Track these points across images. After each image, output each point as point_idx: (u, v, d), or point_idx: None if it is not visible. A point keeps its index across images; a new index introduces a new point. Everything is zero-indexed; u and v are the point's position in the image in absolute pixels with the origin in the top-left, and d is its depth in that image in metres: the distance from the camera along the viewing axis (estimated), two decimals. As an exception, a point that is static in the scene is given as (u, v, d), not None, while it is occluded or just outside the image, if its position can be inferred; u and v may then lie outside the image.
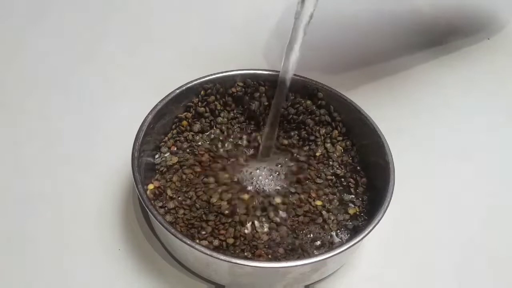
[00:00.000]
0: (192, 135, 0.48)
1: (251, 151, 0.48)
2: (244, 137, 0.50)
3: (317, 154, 0.48)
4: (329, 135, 0.50)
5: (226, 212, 0.42)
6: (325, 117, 0.50)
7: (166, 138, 0.48)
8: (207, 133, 0.49)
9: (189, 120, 0.49)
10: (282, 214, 0.43)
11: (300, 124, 0.50)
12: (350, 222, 0.44)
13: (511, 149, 0.56)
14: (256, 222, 0.42)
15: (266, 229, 0.42)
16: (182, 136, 0.48)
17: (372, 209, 0.43)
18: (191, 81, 0.49)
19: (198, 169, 0.46)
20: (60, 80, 0.59)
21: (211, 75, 0.50)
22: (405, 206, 0.47)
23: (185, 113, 0.49)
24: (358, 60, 0.67)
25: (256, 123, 0.51)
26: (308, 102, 0.50)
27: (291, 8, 0.74)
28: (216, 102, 0.50)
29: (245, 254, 0.40)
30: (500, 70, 0.68)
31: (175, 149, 0.47)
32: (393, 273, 0.44)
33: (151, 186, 0.44)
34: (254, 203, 0.43)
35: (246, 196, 0.44)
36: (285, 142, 0.49)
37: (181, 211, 0.42)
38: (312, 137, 0.49)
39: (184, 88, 0.48)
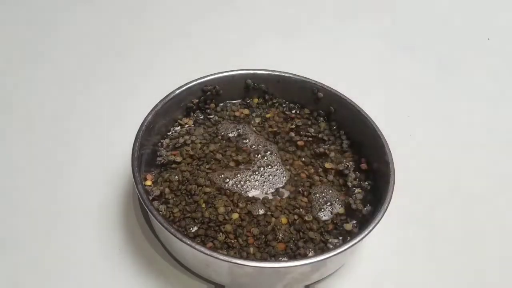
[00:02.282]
0: (193, 140, 0.48)
1: (250, 155, 0.48)
2: (243, 142, 0.50)
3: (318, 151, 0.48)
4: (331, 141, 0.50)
5: (221, 216, 0.42)
6: (327, 135, 0.50)
7: (168, 139, 0.48)
8: (207, 138, 0.49)
9: (190, 126, 0.50)
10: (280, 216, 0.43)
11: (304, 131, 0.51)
12: (349, 220, 0.43)
13: (510, 147, 0.57)
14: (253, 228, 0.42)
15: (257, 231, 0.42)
16: (182, 139, 0.48)
17: (372, 209, 0.43)
18: (191, 81, 0.49)
19: (196, 171, 0.46)
20: (60, 81, 0.59)
21: (211, 75, 0.50)
22: (405, 206, 0.47)
23: (185, 119, 0.50)
24: (359, 60, 0.67)
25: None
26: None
27: (290, 8, 0.75)
28: (215, 113, 0.51)
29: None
30: (499, 70, 0.68)
31: (175, 150, 0.47)
32: (393, 273, 0.44)
33: (148, 182, 0.44)
34: (251, 209, 0.43)
35: (243, 204, 0.43)
36: (290, 149, 0.49)
37: (176, 209, 0.42)
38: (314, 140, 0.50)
39: (184, 88, 0.48)
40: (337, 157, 0.48)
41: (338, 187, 0.46)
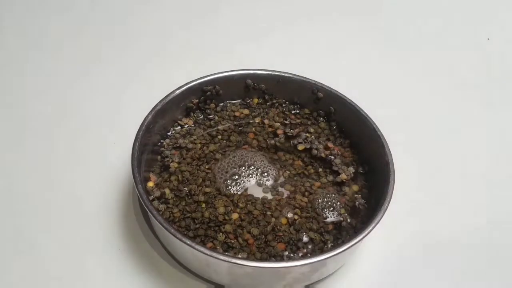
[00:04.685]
0: (193, 140, 0.48)
1: (249, 155, 0.48)
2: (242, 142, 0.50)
3: (318, 154, 0.48)
4: (329, 139, 0.50)
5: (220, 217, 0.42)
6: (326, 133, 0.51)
7: (168, 139, 0.48)
8: (207, 138, 0.49)
9: (190, 126, 0.50)
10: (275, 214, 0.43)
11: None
12: (349, 220, 0.43)
13: (510, 147, 0.57)
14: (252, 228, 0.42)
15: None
16: (182, 139, 0.48)
17: (372, 209, 0.43)
18: (191, 81, 0.49)
19: (196, 171, 0.46)
20: (60, 80, 0.59)
21: (211, 75, 0.50)
22: (405, 206, 0.47)
23: (185, 119, 0.50)
24: (359, 60, 0.67)
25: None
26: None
27: (290, 8, 0.75)
28: (215, 114, 0.51)
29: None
30: (499, 70, 0.68)
31: (175, 150, 0.47)
32: (393, 273, 0.44)
33: (150, 184, 0.44)
34: (251, 208, 0.43)
35: (242, 204, 0.43)
36: (287, 144, 0.49)
37: (176, 210, 0.42)
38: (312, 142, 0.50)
39: (184, 88, 0.48)
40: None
41: (338, 188, 0.46)
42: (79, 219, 0.45)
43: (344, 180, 0.46)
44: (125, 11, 0.72)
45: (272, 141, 0.49)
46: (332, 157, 0.47)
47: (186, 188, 0.44)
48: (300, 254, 0.40)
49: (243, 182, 0.45)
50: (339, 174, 0.46)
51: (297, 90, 0.51)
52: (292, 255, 0.40)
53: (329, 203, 0.44)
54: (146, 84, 0.59)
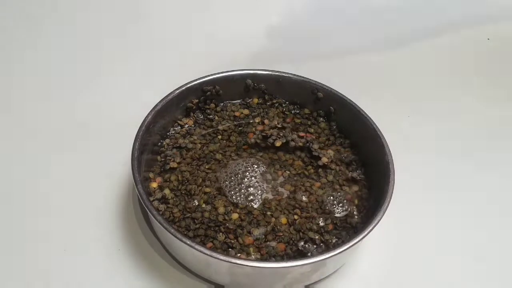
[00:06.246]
0: (193, 140, 0.48)
1: (249, 155, 0.48)
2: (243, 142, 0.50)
3: (322, 158, 0.48)
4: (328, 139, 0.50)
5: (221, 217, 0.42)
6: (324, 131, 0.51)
7: (168, 139, 0.48)
8: (207, 138, 0.49)
9: (190, 126, 0.50)
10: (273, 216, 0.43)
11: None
12: (348, 221, 0.43)
13: (510, 147, 0.57)
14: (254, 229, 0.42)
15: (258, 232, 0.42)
16: (182, 139, 0.48)
17: (372, 209, 0.43)
18: (191, 81, 0.49)
19: (196, 171, 0.46)
20: (60, 80, 0.59)
21: (211, 75, 0.50)
22: (405, 206, 0.47)
23: (185, 119, 0.50)
24: (359, 60, 0.67)
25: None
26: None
27: (288, 8, 0.75)
28: (215, 114, 0.51)
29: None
30: (499, 70, 0.68)
31: (175, 150, 0.47)
32: (393, 273, 0.44)
33: (154, 184, 0.44)
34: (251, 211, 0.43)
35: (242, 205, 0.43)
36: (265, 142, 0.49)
37: (176, 210, 0.42)
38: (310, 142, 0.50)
39: (184, 88, 0.48)
40: (335, 156, 0.48)
41: (339, 187, 0.46)
42: (79, 219, 0.45)
43: (326, 163, 0.46)
44: (125, 11, 0.72)
45: (252, 140, 0.49)
46: (309, 144, 0.48)
47: (186, 188, 0.44)
48: (314, 247, 0.41)
49: (260, 192, 0.45)
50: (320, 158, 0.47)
51: (297, 90, 0.51)
52: (307, 245, 0.41)
53: (336, 200, 0.44)
54: (146, 84, 0.59)
